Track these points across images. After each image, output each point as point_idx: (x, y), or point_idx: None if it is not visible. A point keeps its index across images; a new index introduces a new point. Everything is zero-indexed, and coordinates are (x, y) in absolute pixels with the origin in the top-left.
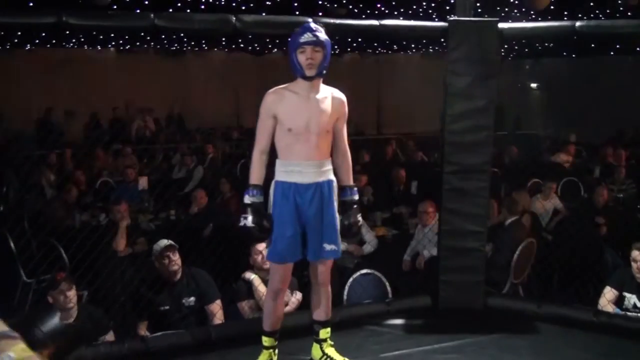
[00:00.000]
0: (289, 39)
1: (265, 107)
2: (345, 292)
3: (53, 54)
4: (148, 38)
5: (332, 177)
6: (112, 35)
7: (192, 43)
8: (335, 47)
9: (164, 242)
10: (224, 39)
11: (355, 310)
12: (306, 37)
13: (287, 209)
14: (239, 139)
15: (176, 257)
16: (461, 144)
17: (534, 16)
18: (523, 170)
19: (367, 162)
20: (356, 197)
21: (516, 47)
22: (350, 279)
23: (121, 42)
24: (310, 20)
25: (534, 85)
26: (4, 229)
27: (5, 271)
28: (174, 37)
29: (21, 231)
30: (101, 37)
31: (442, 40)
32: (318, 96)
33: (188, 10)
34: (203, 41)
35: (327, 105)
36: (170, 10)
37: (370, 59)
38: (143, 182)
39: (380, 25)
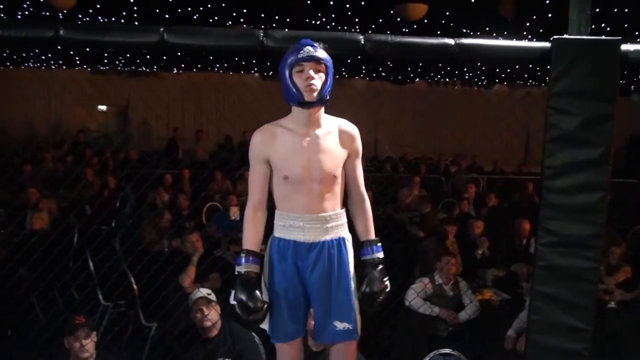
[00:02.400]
0: (282, 59)
1: (253, 150)
2: None
3: (199, 77)
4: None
5: (344, 233)
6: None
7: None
8: (481, 78)
9: (200, 292)
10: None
11: None
12: (305, 52)
13: (284, 273)
14: (375, 167)
15: (210, 312)
16: (564, 207)
17: None
18: None
19: (494, 206)
20: (379, 254)
21: None
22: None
23: (263, 67)
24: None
25: None
26: (88, 248)
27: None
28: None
29: (112, 251)
30: (243, 62)
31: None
32: (319, 131)
33: None
34: (343, 69)
35: (331, 143)
36: None
37: (520, 91)
38: (234, 212)
39: (457, 44)
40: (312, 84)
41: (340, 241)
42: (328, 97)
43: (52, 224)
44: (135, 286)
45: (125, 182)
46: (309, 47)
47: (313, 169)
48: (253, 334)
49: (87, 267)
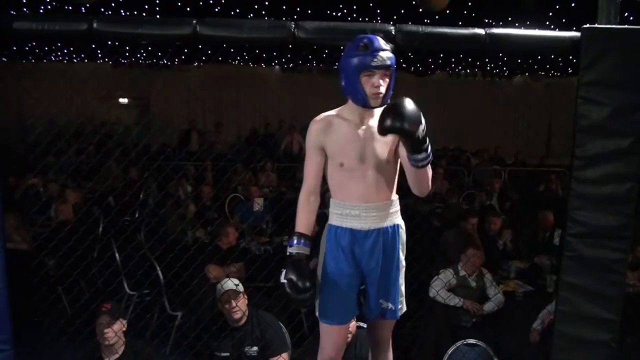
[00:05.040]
0: (346, 54)
1: (310, 138)
2: None
3: (220, 70)
4: (310, 57)
5: (398, 220)
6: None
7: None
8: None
9: (230, 283)
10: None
11: None
12: (379, 60)
13: (341, 260)
14: None
15: (239, 303)
16: (593, 197)
17: None
18: None
19: (516, 200)
20: None
21: None
22: (451, 349)
23: (283, 60)
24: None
25: None
26: (112, 238)
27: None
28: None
29: (137, 242)
30: (264, 55)
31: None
32: (373, 121)
33: None
34: None
35: None
36: None
37: (541, 82)
38: (258, 203)
39: (487, 34)
40: (378, 92)
41: (395, 228)
42: (389, 101)
43: (76, 214)
44: (161, 276)
45: (149, 175)
46: (382, 55)
47: (368, 156)
48: (280, 323)
49: (113, 258)
